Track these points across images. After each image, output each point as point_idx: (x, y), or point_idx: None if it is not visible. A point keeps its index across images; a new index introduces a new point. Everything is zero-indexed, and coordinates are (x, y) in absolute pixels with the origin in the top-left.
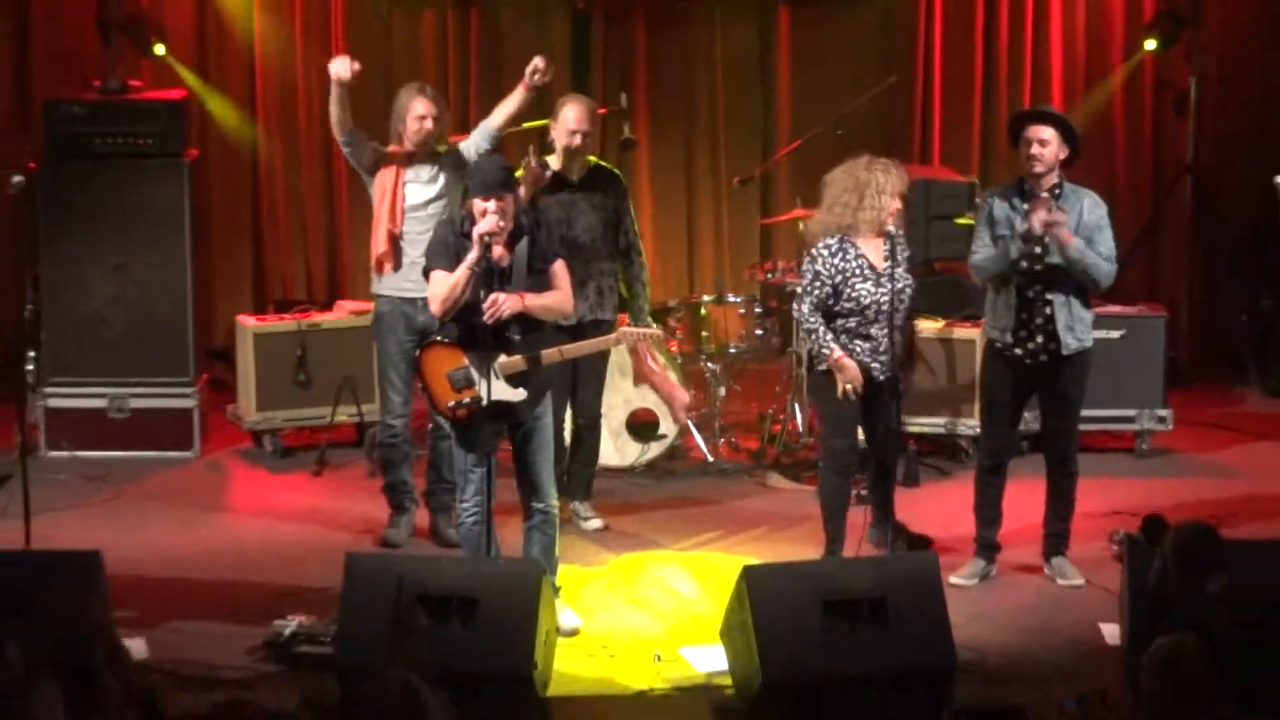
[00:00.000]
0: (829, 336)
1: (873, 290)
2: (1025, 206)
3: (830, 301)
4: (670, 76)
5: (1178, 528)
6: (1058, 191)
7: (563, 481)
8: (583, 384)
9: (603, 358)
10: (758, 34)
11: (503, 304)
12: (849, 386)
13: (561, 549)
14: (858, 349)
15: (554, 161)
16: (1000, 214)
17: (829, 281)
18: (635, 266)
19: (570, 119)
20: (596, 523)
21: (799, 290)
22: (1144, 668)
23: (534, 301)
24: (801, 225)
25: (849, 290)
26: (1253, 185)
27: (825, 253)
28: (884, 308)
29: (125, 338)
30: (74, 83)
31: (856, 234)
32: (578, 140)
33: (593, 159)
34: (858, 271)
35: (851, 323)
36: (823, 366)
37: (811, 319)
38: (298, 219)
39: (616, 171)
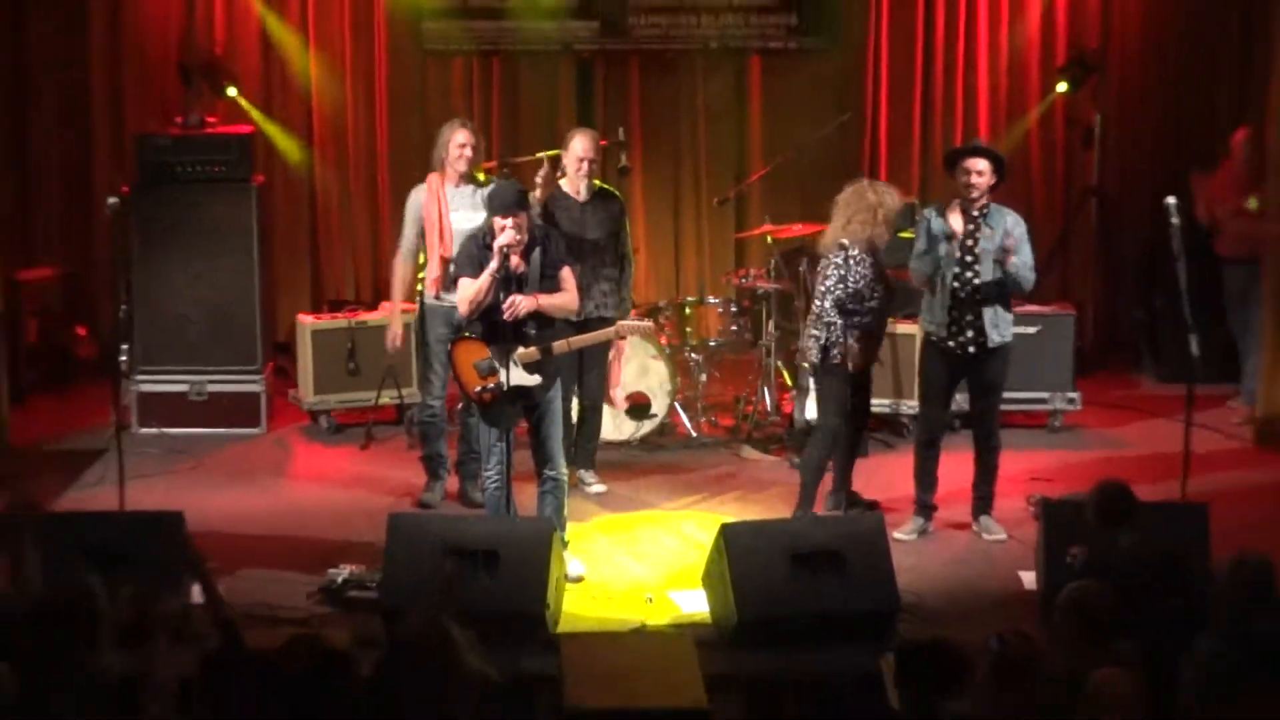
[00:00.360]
0: (843, 328)
1: (885, 292)
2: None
3: (848, 301)
4: (660, 114)
5: (1099, 485)
6: (986, 210)
7: (570, 453)
8: (588, 370)
9: (605, 348)
10: (733, 78)
11: (519, 304)
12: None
13: (569, 509)
14: (866, 340)
15: (565, 184)
16: (937, 229)
17: (853, 285)
18: (625, 274)
19: (579, 148)
20: (599, 487)
21: (822, 289)
22: (1056, 608)
23: (546, 301)
24: (769, 238)
25: (869, 292)
26: (1147, 205)
27: (852, 261)
28: (886, 306)
29: (203, 333)
30: (160, 119)
31: (873, 246)
32: (585, 166)
33: (597, 182)
34: (877, 277)
35: (865, 319)
36: (836, 356)
37: (832, 313)
38: (348, 233)
39: (617, 193)
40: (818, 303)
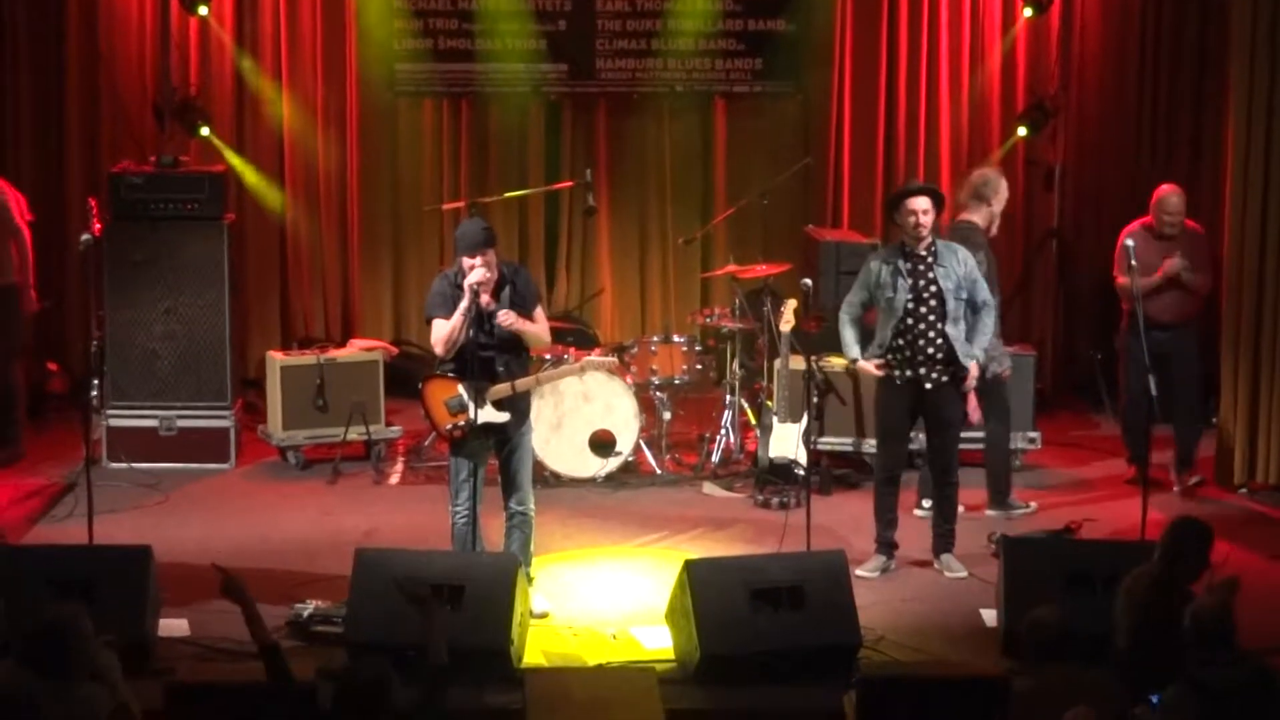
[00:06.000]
0: None
1: None
2: (907, 266)
3: None
4: (627, 156)
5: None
6: (934, 249)
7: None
8: None
9: None
10: (698, 121)
11: (506, 317)
12: None
13: (535, 545)
14: None
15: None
16: (885, 278)
17: None
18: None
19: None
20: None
21: None
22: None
23: (523, 325)
24: (732, 278)
25: None
26: (1105, 246)
27: None
28: None
29: (174, 368)
30: (134, 157)
31: None
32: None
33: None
34: None
35: None
36: None
37: None
38: (317, 271)
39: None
40: None
